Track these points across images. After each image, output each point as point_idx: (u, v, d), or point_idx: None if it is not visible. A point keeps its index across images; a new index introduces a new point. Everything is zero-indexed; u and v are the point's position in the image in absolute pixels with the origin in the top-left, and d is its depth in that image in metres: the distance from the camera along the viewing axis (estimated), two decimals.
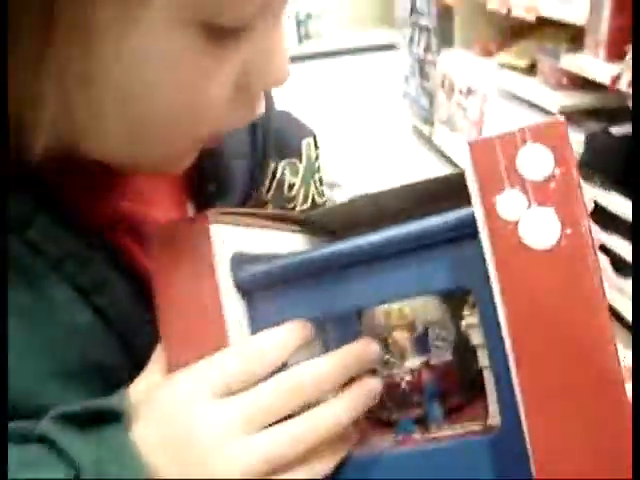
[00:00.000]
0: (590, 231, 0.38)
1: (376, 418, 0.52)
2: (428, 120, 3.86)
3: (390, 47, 5.42)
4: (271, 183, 0.62)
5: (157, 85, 0.40)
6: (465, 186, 0.41)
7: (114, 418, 0.41)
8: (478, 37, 3.51)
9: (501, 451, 0.42)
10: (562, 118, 0.40)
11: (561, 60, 2.61)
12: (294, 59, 0.60)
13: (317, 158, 0.69)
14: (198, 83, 0.41)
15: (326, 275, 0.45)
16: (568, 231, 0.38)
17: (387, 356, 0.53)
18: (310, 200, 0.66)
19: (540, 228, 0.39)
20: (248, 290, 0.46)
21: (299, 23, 6.29)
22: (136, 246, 0.49)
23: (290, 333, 0.44)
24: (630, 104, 2.16)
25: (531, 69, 3.02)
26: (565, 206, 0.38)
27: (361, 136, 4.01)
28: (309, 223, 0.56)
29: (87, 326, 0.45)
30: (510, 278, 0.39)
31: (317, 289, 0.45)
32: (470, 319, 0.46)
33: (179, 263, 0.44)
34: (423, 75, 3.92)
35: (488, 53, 3.44)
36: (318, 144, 0.69)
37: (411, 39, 4.04)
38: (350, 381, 0.45)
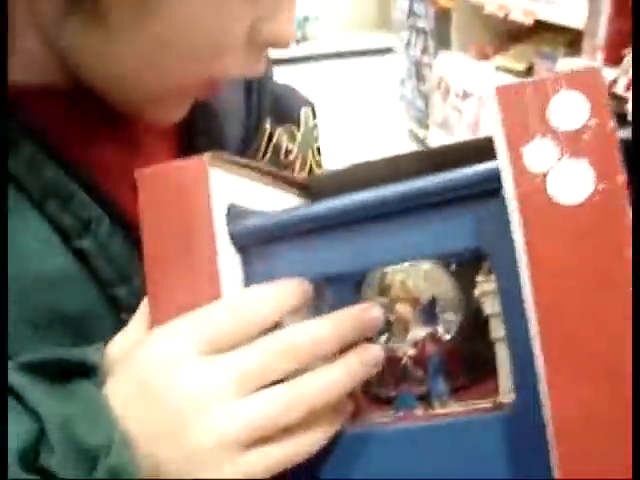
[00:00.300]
0: (626, 187, 0.35)
1: (373, 395, 0.48)
2: (423, 123, 3.84)
3: (387, 50, 5.40)
4: (267, 147, 0.61)
5: (188, 5, 0.40)
6: (490, 151, 0.37)
7: (87, 372, 0.37)
8: (475, 40, 3.49)
9: (515, 427, 0.38)
10: (598, 66, 0.37)
11: (558, 64, 2.59)
12: (291, 61, 0.64)
13: (315, 127, 0.67)
14: (225, 17, 0.42)
15: (332, 231, 0.41)
16: (602, 186, 0.35)
17: (386, 334, 0.50)
18: (308, 169, 0.65)
19: (571, 181, 0.35)
20: (245, 245, 0.42)
21: (296, 25, 6.27)
22: (126, 195, 0.45)
23: (287, 291, 0.40)
24: (627, 109, 2.14)
25: (528, 73, 3.01)
26: (600, 158, 0.35)
27: (357, 139, 3.98)
28: (311, 187, 0.52)
29: (63, 272, 0.41)
30: (536, 237, 0.36)
31: (321, 247, 0.41)
32: (485, 286, 0.42)
33: (169, 210, 0.40)
34: (419, 78, 3.91)
35: (485, 56, 3.42)
36: (316, 114, 0.68)
37: (408, 42, 4.02)
38: (347, 349, 0.41)
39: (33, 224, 0.41)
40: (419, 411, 0.43)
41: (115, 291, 0.44)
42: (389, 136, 4.13)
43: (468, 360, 0.49)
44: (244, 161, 0.45)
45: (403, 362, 0.47)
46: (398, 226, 0.40)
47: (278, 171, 0.51)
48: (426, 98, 3.80)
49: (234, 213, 0.42)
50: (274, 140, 0.61)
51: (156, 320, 0.40)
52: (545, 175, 0.35)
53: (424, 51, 3.82)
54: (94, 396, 0.36)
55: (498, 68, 3.20)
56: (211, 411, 0.36)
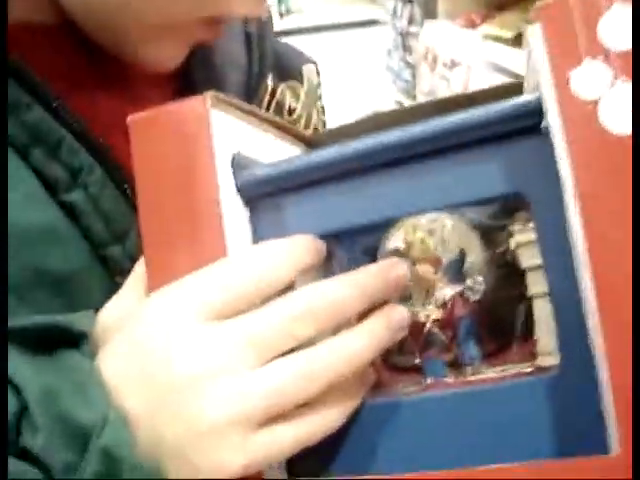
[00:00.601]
0: None
1: (393, 364, 0.44)
2: (410, 93, 3.79)
3: (372, 23, 5.33)
4: (270, 103, 0.57)
5: None
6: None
7: (75, 341, 0.32)
8: (462, 9, 3.43)
9: (562, 392, 0.34)
10: None
11: None
12: (275, 35, 0.61)
13: (319, 86, 0.64)
14: None
15: (350, 178, 0.37)
16: None
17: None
18: (312, 128, 0.61)
19: (626, 109, 0.31)
20: (252, 197, 0.37)
21: None
22: (120, 144, 0.40)
23: (301, 247, 0.36)
24: None
25: (517, 41, 2.95)
26: None
27: (344, 112, 3.93)
28: (319, 143, 0.48)
29: (49, 229, 0.37)
30: (587, 174, 0.31)
31: (338, 197, 0.37)
32: (521, 236, 0.38)
33: (166, 159, 0.36)
34: (406, 48, 3.85)
35: (472, 25, 3.36)
36: (320, 72, 0.65)
37: (394, 12, 3.96)
38: (369, 312, 0.37)
39: (17, 175, 0.37)
40: (450, 379, 0.39)
41: (107, 251, 0.40)
42: (376, 108, 4.08)
43: (496, 323, 0.45)
44: (249, 107, 0.40)
45: (427, 326, 0.43)
46: (423, 171, 0.36)
47: (285, 122, 0.46)
48: (413, 68, 3.75)
49: (239, 162, 0.37)
50: (277, 97, 0.57)
51: (154, 283, 0.35)
52: (596, 102, 0.31)
53: (410, 21, 3.76)
54: (84, 367, 0.32)
55: (486, 36, 3.14)
56: (219, 384, 0.32)
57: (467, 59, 3.18)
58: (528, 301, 0.45)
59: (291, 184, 0.37)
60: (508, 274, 0.48)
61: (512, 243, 0.38)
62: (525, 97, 0.34)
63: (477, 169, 0.35)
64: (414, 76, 3.72)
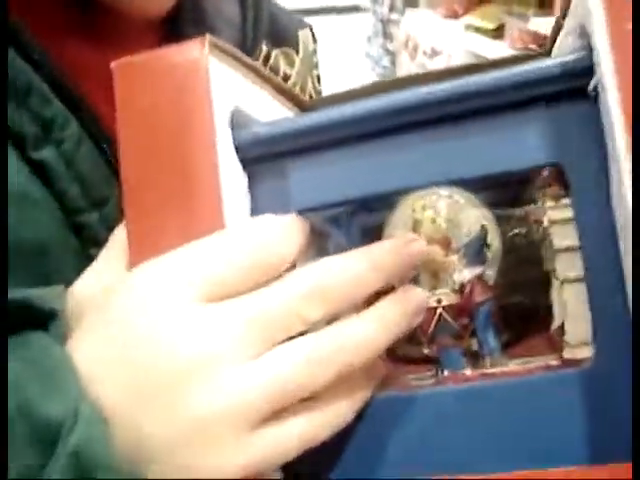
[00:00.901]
0: None
1: (397, 355, 0.40)
2: None
3: (353, 9, 5.29)
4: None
5: None
6: None
7: (43, 321, 0.27)
8: None
9: (598, 386, 0.31)
10: None
11: (530, 23, 2.52)
12: None
13: (315, 53, 0.60)
14: None
15: (362, 142, 0.32)
16: None
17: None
18: (307, 97, 0.57)
19: None
20: (252, 159, 0.33)
21: None
22: (101, 97, 0.35)
23: (303, 225, 0.32)
24: None
25: (498, 32, 2.93)
26: None
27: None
28: (316, 109, 0.43)
29: (17, 192, 0.32)
30: None
31: (347, 162, 0.33)
32: (556, 214, 0.34)
33: (155, 113, 0.31)
34: (386, 35, 3.81)
35: (454, 14, 3.34)
36: (316, 38, 0.61)
37: None
38: (380, 294, 0.32)
39: None
40: (467, 371, 0.35)
41: (83, 218, 0.35)
42: None
43: (513, 310, 0.41)
44: (248, 60, 0.35)
45: (438, 313, 0.39)
46: (449, 136, 0.32)
47: (283, 84, 0.41)
48: (393, 56, 3.72)
49: (239, 120, 0.32)
50: (271, 62, 0.54)
51: (137, 256, 0.31)
52: None
53: (392, 8, 3.72)
54: (53, 353, 0.27)
55: (468, 27, 3.12)
56: (214, 374, 0.27)
57: (448, 48, 3.15)
58: (547, 286, 0.42)
59: (296, 146, 0.33)
60: (526, 257, 0.45)
61: (545, 221, 0.34)
62: (572, 55, 0.30)
63: (508, 136, 0.31)
64: (393, 63, 3.70)
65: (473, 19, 3.13)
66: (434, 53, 3.28)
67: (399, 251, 0.32)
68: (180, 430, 0.27)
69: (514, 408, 0.32)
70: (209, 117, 0.30)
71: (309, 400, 0.29)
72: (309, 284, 0.29)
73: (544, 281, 0.44)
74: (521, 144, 0.31)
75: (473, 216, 0.41)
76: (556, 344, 0.37)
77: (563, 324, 0.38)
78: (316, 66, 0.60)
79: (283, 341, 0.28)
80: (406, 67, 3.56)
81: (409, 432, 0.33)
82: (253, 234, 0.30)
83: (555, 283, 0.40)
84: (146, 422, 0.27)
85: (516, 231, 0.45)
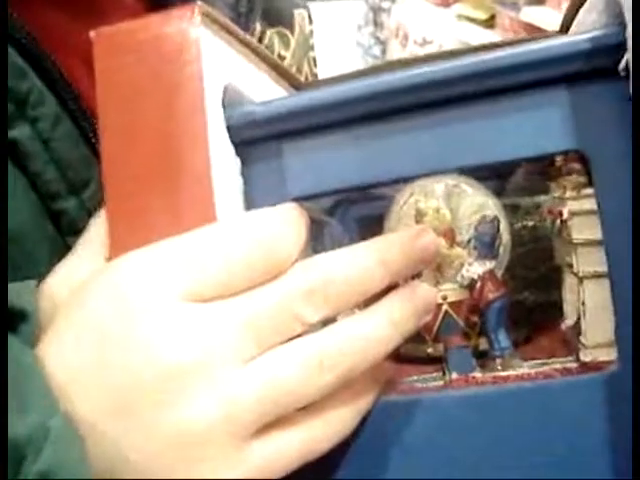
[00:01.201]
0: None
1: (397, 355, 0.37)
2: None
3: None
4: None
5: None
6: None
7: (13, 322, 0.24)
8: None
9: (622, 390, 0.28)
10: None
11: (521, 13, 2.50)
12: None
13: (311, 34, 0.56)
14: None
15: (368, 123, 0.29)
16: None
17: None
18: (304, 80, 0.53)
19: None
20: (245, 141, 0.30)
21: None
22: (81, 72, 0.32)
23: (304, 218, 0.29)
24: None
25: (490, 22, 2.91)
26: None
27: None
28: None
29: None
30: None
31: (349, 145, 0.30)
32: (577, 204, 0.31)
33: (140, 85, 0.28)
34: (377, 24, 3.77)
35: (445, 3, 3.31)
36: (312, 19, 0.57)
37: None
38: (386, 291, 0.30)
39: None
40: (477, 373, 0.32)
41: (61, 203, 0.32)
42: None
43: (520, 307, 0.39)
44: (243, 34, 0.32)
45: (443, 310, 0.36)
46: (459, 119, 0.29)
47: (280, 62, 0.38)
48: (383, 44, 3.68)
49: (232, 98, 0.29)
50: (265, 42, 0.50)
51: (117, 248, 0.28)
52: None
53: None
54: (23, 360, 0.24)
55: (459, 16, 3.09)
56: (202, 382, 0.24)
57: (439, 38, 3.12)
58: (556, 282, 0.39)
59: (295, 127, 0.30)
60: (534, 251, 0.42)
61: (565, 212, 0.31)
62: (601, 30, 0.27)
63: (525, 119, 0.29)
64: (384, 52, 3.66)
65: (465, 8, 3.10)
66: (425, 42, 3.25)
67: (409, 245, 0.29)
68: (164, 445, 0.24)
69: (529, 416, 0.29)
70: (199, 94, 0.27)
71: (310, 407, 0.26)
72: (309, 282, 0.26)
73: (553, 277, 0.41)
74: (539, 129, 0.29)
75: (482, 206, 0.38)
76: (569, 344, 0.34)
77: (577, 323, 0.36)
78: (312, 48, 0.57)
79: (280, 344, 0.26)
80: (397, 56, 3.52)
81: (414, 440, 0.30)
82: (252, 227, 0.27)
83: (568, 279, 0.37)
84: (126, 437, 0.24)
85: (525, 223, 0.43)
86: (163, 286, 0.25)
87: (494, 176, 0.48)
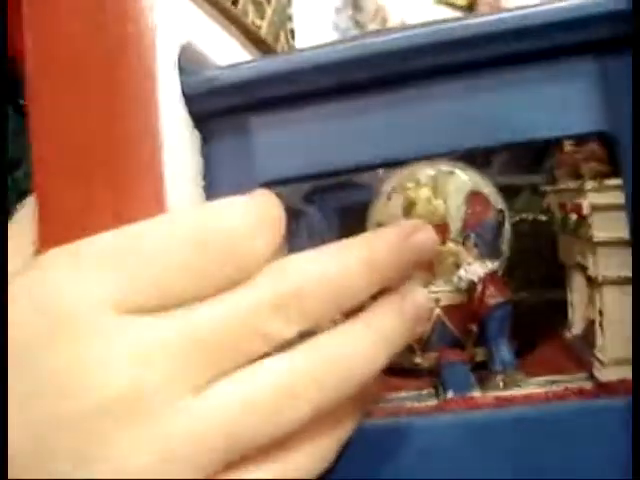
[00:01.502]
0: None
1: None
2: None
3: None
4: None
5: None
6: None
7: None
8: None
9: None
10: None
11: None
12: None
13: (289, 4, 0.54)
14: None
15: (353, 95, 0.25)
16: None
17: None
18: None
19: None
20: (207, 113, 0.25)
21: None
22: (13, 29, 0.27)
23: (279, 210, 0.23)
24: None
25: (470, 7, 2.87)
26: None
27: None
28: None
29: None
30: None
31: (330, 120, 0.25)
32: (597, 197, 0.26)
33: (79, 43, 0.23)
34: (356, 7, 3.72)
35: None
36: None
37: None
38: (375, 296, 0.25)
39: None
40: (476, 392, 0.27)
41: None
42: None
43: (525, 316, 0.34)
44: None
45: (435, 315, 0.32)
46: (459, 92, 0.24)
47: (249, 24, 0.33)
48: (362, 28, 3.63)
49: (191, 60, 0.24)
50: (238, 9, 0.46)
51: (46, 239, 0.23)
52: None
53: None
54: None
55: (439, 1, 3.06)
56: (138, 417, 0.19)
57: (419, 21, 3.08)
58: (558, 284, 0.35)
59: (266, 97, 0.24)
60: (533, 249, 0.38)
61: (584, 207, 0.27)
62: None
63: (541, 94, 0.24)
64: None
65: None
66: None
67: (403, 243, 0.24)
68: None
69: (539, 445, 0.25)
70: (149, 54, 0.22)
71: (288, 438, 0.22)
72: (279, 290, 0.21)
73: (555, 278, 0.37)
74: (558, 106, 0.24)
75: (471, 197, 0.33)
76: (578, 357, 0.30)
77: (588, 333, 0.31)
78: (290, 19, 0.53)
79: (242, 367, 0.21)
80: None
81: (402, 471, 0.25)
82: (209, 220, 0.22)
83: (576, 281, 0.33)
84: None
85: (524, 217, 0.38)
86: (94, 293, 0.20)
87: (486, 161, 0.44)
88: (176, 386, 0.20)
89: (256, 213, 0.22)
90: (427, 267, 0.34)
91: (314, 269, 0.22)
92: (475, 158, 0.39)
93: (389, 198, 0.35)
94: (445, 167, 0.34)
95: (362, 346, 0.22)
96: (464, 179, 0.34)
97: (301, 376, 0.21)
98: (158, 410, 0.19)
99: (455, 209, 0.34)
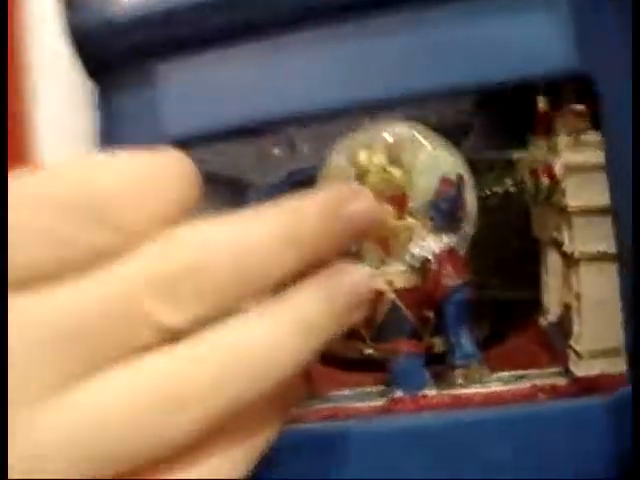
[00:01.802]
0: None
1: (330, 355, 0.28)
2: None
3: None
4: None
5: None
6: None
7: None
8: None
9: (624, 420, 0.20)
10: None
11: None
12: None
13: None
14: None
15: (277, 30, 0.20)
16: None
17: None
18: None
19: None
20: (102, 58, 0.20)
21: None
22: None
23: (187, 169, 0.19)
24: None
25: None
26: None
27: None
28: None
29: None
30: None
31: (251, 62, 0.21)
32: (572, 156, 0.22)
33: None
34: None
35: None
36: None
37: None
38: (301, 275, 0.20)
39: None
40: (431, 391, 0.23)
41: None
42: None
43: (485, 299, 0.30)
44: None
45: (388, 299, 0.27)
46: (411, 24, 0.20)
47: None
48: None
49: None
50: None
51: None
52: None
53: None
54: None
55: None
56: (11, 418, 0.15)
57: None
58: (532, 265, 0.31)
59: (175, 36, 0.20)
60: (502, 223, 0.34)
61: (556, 167, 0.22)
62: None
63: (509, 28, 0.20)
64: None
65: None
66: None
67: (333, 212, 0.19)
68: None
69: (501, 454, 0.21)
70: None
71: (182, 450, 0.17)
72: (166, 264, 0.17)
73: (528, 257, 0.33)
74: (528, 42, 0.20)
75: (441, 163, 0.29)
76: (553, 349, 0.26)
77: (563, 319, 0.27)
78: None
79: (117, 362, 0.16)
80: None
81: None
82: (88, 178, 0.17)
83: (551, 259, 0.29)
84: None
85: (500, 186, 0.34)
86: None
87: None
88: (38, 385, 0.15)
89: (147, 171, 0.18)
90: (382, 244, 0.30)
91: (216, 239, 0.17)
92: (448, 131, 0.35)
93: (337, 165, 0.30)
94: (400, 129, 0.30)
95: (276, 335, 0.18)
96: (424, 144, 0.30)
97: (194, 379, 0.16)
98: (12, 417, 0.15)
99: (416, 177, 0.30)
